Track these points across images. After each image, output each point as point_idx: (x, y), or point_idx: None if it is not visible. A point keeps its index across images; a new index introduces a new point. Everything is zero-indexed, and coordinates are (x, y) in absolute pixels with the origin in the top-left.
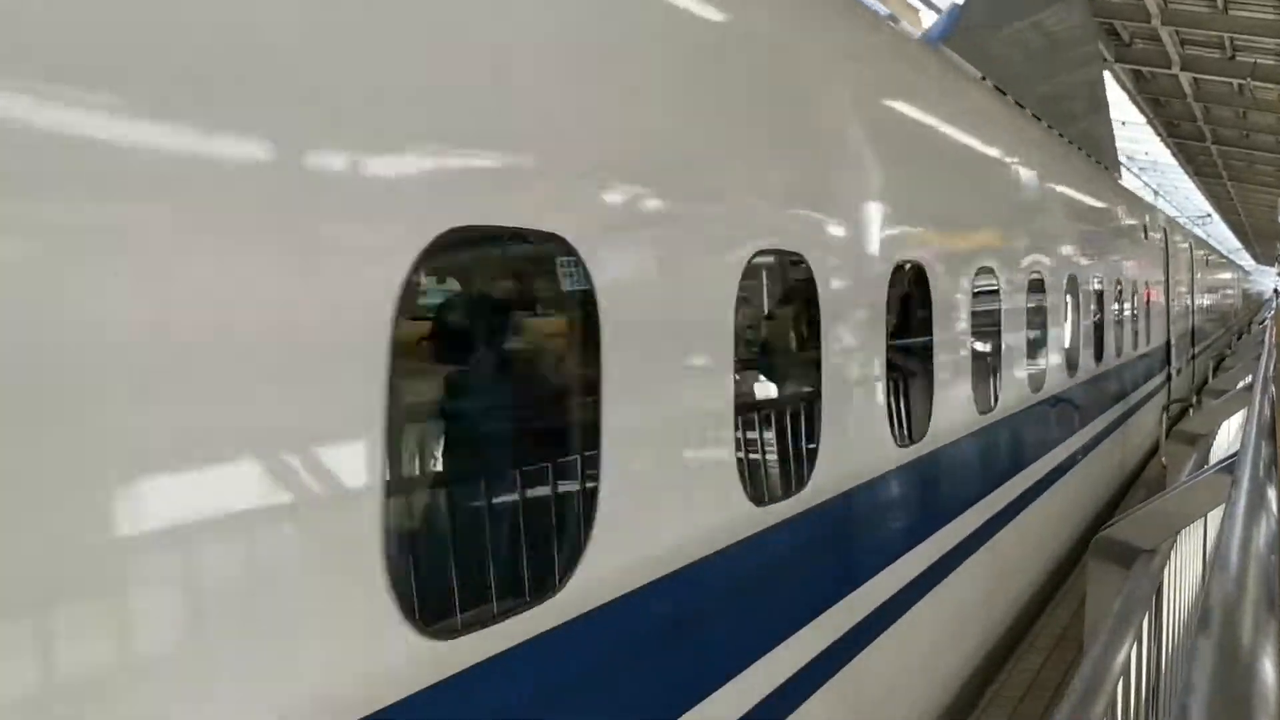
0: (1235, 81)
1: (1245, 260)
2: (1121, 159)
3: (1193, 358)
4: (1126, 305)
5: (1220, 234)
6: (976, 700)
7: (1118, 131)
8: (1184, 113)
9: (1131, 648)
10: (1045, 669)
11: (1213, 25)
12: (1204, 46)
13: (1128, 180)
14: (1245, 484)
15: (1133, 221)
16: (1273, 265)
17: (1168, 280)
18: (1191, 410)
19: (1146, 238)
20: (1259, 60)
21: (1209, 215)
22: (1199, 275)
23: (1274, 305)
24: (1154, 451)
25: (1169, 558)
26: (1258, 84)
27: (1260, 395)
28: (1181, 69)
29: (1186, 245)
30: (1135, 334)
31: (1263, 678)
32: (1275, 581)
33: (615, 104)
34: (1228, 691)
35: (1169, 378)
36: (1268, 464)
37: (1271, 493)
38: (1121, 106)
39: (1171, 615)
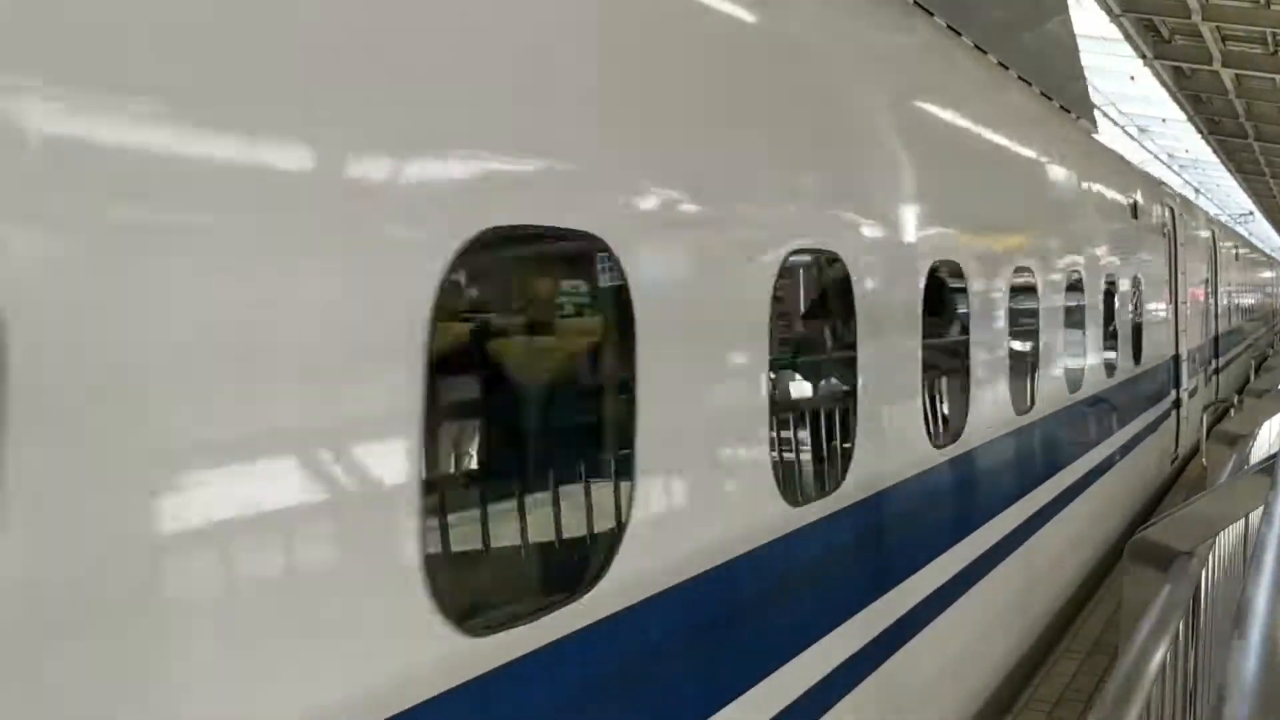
0: (1278, 78)
1: None
2: (1163, 157)
3: (1216, 371)
4: (1101, 313)
5: (1263, 232)
6: (1011, 705)
7: (1158, 129)
8: (1225, 109)
9: (1167, 651)
10: (1080, 675)
11: (1255, 20)
12: (1246, 42)
13: (1168, 179)
14: None
15: (1116, 195)
16: None
17: (1175, 277)
18: (1233, 410)
19: (1137, 218)
20: None
21: (1251, 213)
22: (1225, 271)
23: None
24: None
25: (1207, 560)
26: None
27: None
28: (1223, 65)
29: (1207, 234)
30: (1116, 353)
31: None
32: None
33: None
34: (1264, 690)
35: (1177, 403)
36: None
37: None
38: (1162, 104)
39: (1209, 617)
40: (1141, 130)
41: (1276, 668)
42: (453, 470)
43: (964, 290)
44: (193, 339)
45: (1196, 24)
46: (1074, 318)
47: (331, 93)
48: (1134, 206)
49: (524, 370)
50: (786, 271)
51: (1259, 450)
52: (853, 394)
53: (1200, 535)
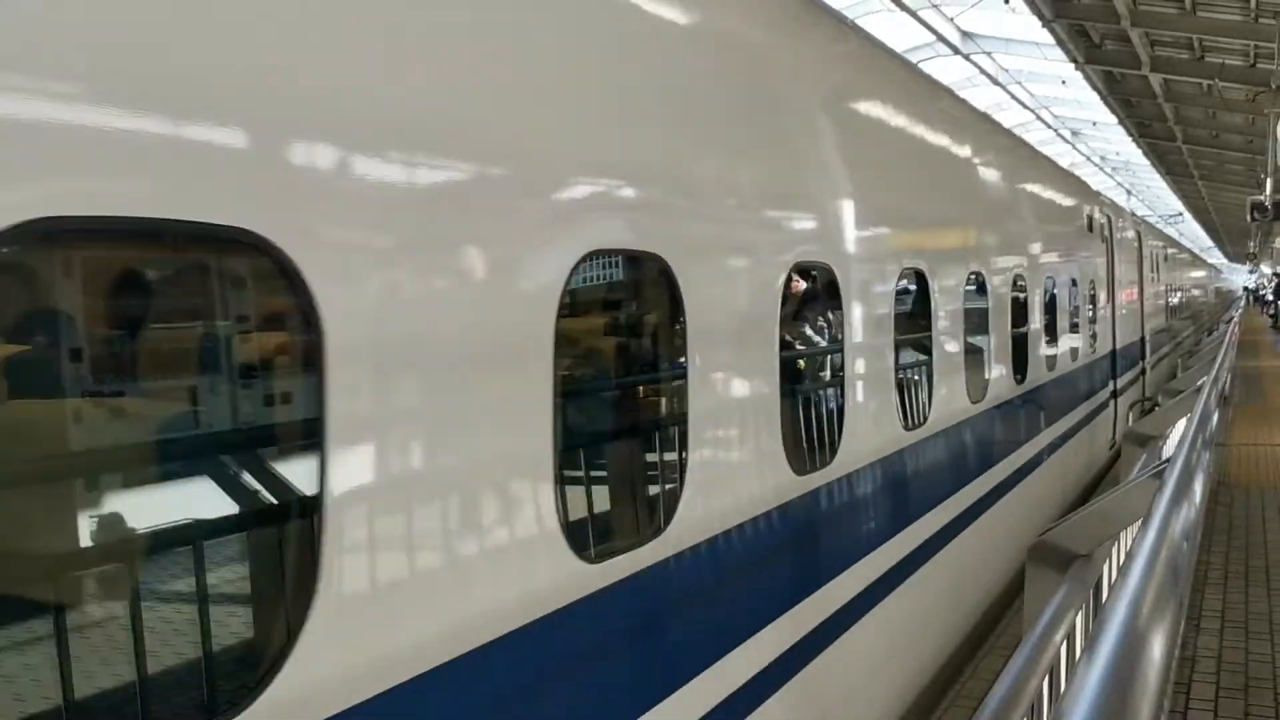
0: (1204, 82)
1: (1217, 258)
2: (1095, 159)
3: None
4: None
5: (1193, 232)
6: (939, 700)
7: (1090, 133)
8: (1155, 113)
9: (1061, 648)
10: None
11: (1181, 26)
12: (1173, 47)
13: (1100, 181)
14: (1176, 474)
15: None
16: (1244, 263)
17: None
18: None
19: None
20: (1227, 61)
21: (1181, 214)
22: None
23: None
24: None
25: (1111, 557)
26: (1226, 84)
27: (1209, 392)
28: (1151, 70)
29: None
30: None
31: (1150, 654)
32: (1183, 565)
33: None
34: (1119, 665)
35: None
36: (1200, 457)
37: (1198, 484)
38: (1094, 108)
39: None
40: (1074, 134)
41: (1121, 685)
42: None
43: None
44: None
45: (1126, 29)
46: None
47: None
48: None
49: None
50: None
51: (1172, 449)
52: None
53: (1097, 538)
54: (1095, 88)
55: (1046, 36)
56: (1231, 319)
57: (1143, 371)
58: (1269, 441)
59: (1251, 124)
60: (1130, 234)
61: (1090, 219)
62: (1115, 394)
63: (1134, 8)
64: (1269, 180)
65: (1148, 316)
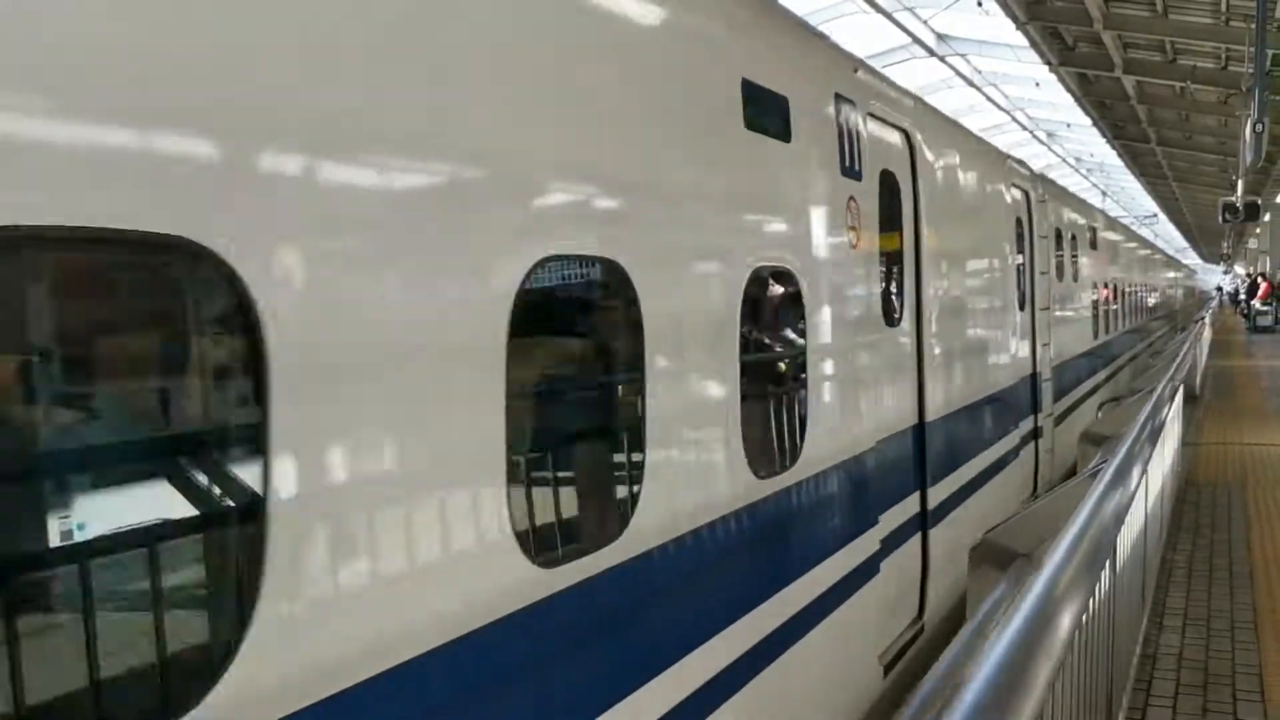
0: (1177, 84)
1: (1193, 259)
2: (1070, 161)
3: None
4: None
5: (1168, 233)
6: (899, 703)
7: (1064, 134)
8: (1128, 115)
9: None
10: None
11: (1153, 29)
12: (1146, 50)
13: (1073, 183)
14: (1119, 458)
15: None
16: (1219, 264)
17: None
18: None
19: None
20: (1198, 64)
21: (1155, 215)
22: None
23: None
24: None
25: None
26: (1198, 86)
27: (1164, 384)
28: (1124, 72)
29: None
30: None
31: (1058, 622)
32: (1108, 542)
33: None
34: (1029, 632)
35: None
36: (1143, 444)
37: (1135, 471)
38: (1068, 110)
39: None
40: (1050, 135)
41: (1028, 647)
42: None
43: None
44: None
45: (1098, 32)
46: None
47: None
48: None
49: None
50: None
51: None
52: None
53: (1039, 537)
54: (1069, 90)
55: (1021, 39)
56: (1201, 319)
57: (1034, 435)
58: (1237, 440)
59: (1224, 126)
60: (996, 188)
61: (847, 137)
62: (925, 522)
63: (1106, 10)
64: (1241, 182)
65: (1054, 336)
